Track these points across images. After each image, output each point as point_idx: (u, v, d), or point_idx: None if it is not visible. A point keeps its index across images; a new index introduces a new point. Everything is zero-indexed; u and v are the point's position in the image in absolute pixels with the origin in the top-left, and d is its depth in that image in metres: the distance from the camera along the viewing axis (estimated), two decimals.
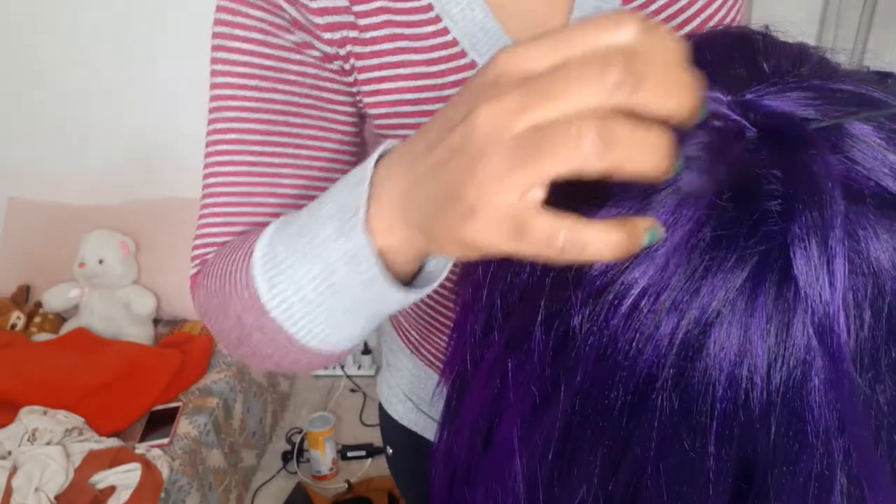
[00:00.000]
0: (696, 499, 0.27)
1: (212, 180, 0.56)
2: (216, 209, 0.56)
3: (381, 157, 0.39)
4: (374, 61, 0.55)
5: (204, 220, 0.57)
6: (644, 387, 0.27)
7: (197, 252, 0.57)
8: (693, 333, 0.26)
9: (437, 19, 0.54)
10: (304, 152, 0.56)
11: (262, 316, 0.45)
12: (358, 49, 0.55)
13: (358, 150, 0.61)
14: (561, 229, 0.27)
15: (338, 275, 0.40)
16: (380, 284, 0.40)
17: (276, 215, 0.51)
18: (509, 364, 0.31)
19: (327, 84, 0.57)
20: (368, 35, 0.54)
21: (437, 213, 0.32)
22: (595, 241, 0.26)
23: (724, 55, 0.31)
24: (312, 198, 0.46)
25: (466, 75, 0.55)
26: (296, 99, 0.56)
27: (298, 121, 0.56)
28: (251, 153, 0.55)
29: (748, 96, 0.29)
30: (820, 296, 0.24)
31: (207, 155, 0.56)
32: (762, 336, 0.25)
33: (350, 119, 0.59)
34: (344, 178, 0.42)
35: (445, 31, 0.54)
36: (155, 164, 2.18)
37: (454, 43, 0.54)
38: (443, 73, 0.55)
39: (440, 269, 0.43)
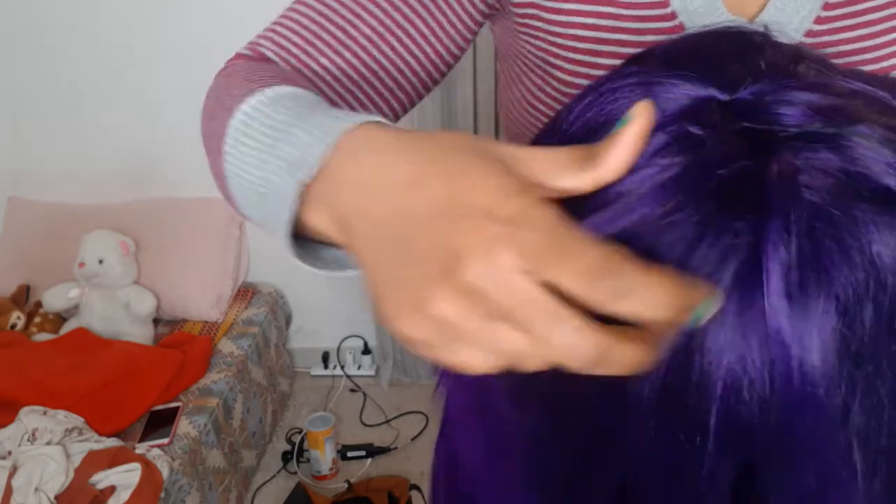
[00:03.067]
0: (692, 501, 0.27)
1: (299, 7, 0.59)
2: (288, 28, 0.58)
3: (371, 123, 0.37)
4: None
5: (275, 28, 0.59)
6: (641, 386, 0.27)
7: (255, 42, 0.59)
8: (688, 330, 0.26)
9: None
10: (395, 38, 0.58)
11: (221, 143, 0.45)
12: None
13: (444, 63, 0.62)
14: None
15: (269, 189, 0.40)
16: (283, 234, 0.39)
17: (334, 64, 0.56)
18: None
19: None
20: None
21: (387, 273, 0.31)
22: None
23: (721, 52, 0.31)
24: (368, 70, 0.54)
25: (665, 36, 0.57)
26: None
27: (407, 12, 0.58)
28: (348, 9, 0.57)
29: (743, 95, 0.29)
30: (780, 313, 0.25)
31: None
32: (757, 334, 0.25)
33: (456, 34, 0.60)
34: (346, 112, 0.40)
35: None
36: (155, 164, 2.18)
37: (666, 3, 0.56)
38: (642, 32, 0.57)
39: (342, 266, 0.42)
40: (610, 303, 0.26)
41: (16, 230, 2.19)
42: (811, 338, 0.25)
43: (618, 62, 0.57)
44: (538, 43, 0.61)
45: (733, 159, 0.27)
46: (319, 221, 0.37)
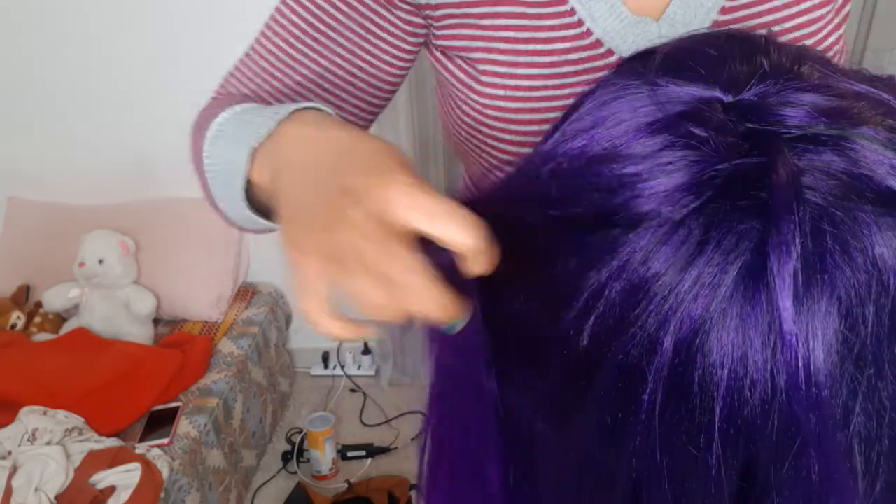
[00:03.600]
0: (700, 498, 0.27)
1: (256, 45, 0.67)
2: (248, 68, 0.67)
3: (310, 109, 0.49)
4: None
5: (238, 69, 0.68)
6: (645, 388, 0.27)
7: (221, 85, 0.70)
8: (691, 332, 0.26)
9: None
10: (340, 67, 0.65)
11: (201, 153, 0.57)
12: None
13: (385, 90, 0.68)
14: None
15: (232, 170, 0.51)
16: (239, 197, 0.51)
17: (290, 93, 0.65)
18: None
19: (392, 28, 0.63)
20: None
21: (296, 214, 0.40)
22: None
23: (725, 53, 0.32)
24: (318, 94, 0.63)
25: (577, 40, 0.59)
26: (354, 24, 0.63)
27: (350, 36, 0.64)
28: (298, 39, 0.64)
29: (747, 96, 0.29)
30: (784, 314, 0.25)
31: (270, 18, 0.66)
32: (761, 335, 0.25)
33: (396, 60, 0.65)
34: (294, 104, 0.50)
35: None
36: (155, 164, 2.18)
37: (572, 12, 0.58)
38: (552, 39, 0.59)
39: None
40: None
41: (16, 230, 2.19)
42: (816, 339, 0.25)
43: (538, 60, 0.58)
44: (458, 44, 0.61)
45: (737, 161, 0.27)
46: (261, 174, 0.48)
